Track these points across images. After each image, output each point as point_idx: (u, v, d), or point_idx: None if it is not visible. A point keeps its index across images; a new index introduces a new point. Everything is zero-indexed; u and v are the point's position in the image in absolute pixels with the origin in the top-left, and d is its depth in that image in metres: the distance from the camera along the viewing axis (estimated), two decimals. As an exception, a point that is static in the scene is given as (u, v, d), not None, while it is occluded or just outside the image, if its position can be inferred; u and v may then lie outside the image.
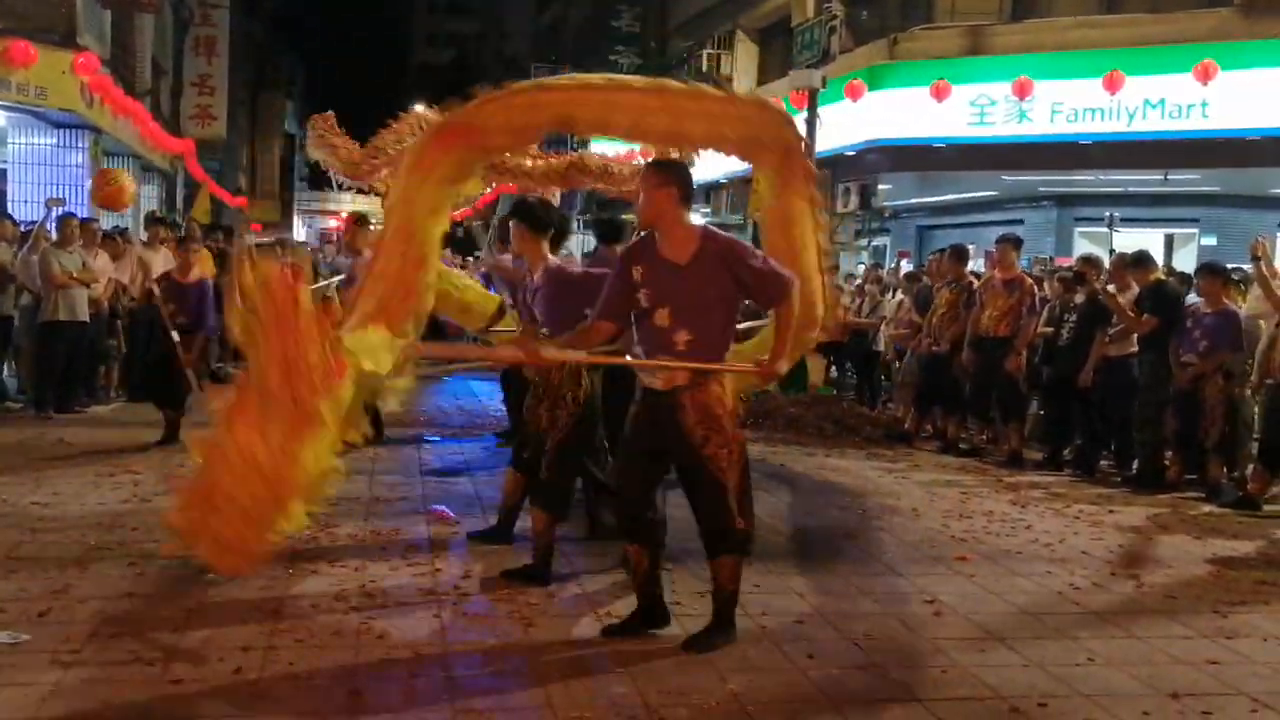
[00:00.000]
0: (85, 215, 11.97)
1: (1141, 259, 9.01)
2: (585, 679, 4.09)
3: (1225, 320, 8.18)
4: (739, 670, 4.21)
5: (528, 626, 4.65)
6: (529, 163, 10.16)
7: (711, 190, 23.35)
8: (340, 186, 9.03)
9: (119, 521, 6.08)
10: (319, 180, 48.68)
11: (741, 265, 4.34)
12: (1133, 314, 8.60)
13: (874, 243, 21.44)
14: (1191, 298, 8.98)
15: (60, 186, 14.81)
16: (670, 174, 4.45)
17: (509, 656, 4.31)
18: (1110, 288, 9.14)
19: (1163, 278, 9.13)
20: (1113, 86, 13.72)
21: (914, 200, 19.43)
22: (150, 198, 21.41)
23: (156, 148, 19.61)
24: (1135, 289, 8.81)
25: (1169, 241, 16.83)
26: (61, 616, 4.51)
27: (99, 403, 10.45)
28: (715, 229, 4.60)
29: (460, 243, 22.63)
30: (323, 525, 6.09)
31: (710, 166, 19.43)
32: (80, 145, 15.67)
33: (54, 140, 15.45)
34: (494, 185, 12.06)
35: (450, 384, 13.34)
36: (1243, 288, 8.96)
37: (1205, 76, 13.00)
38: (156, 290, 8.82)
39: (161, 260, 10.92)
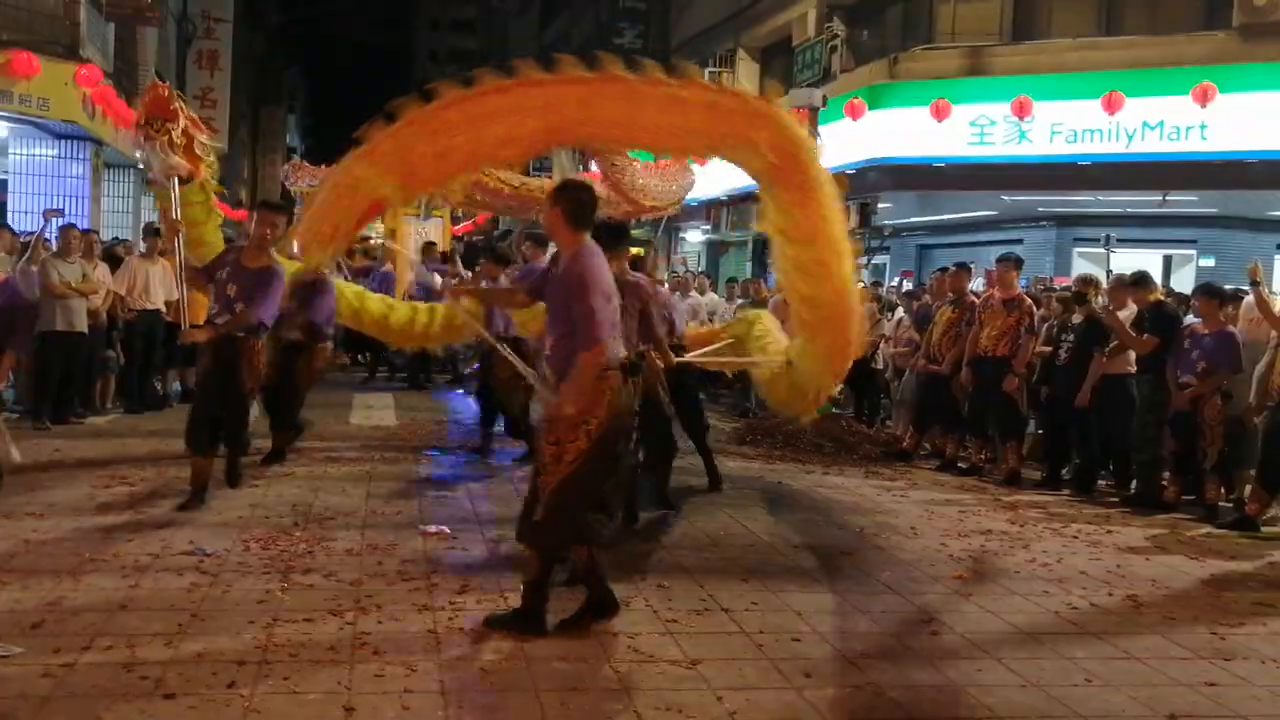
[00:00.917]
0: (85, 226, 11.98)
1: (1141, 279, 9.02)
2: (581, 695, 4.07)
3: (1223, 341, 8.19)
4: (735, 688, 4.19)
5: (523, 642, 4.63)
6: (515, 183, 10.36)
7: (711, 208, 23.40)
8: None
9: (114, 534, 6.05)
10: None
11: (572, 298, 4.60)
12: (1132, 334, 8.61)
13: (874, 261, 21.48)
14: (1189, 318, 8.98)
15: (61, 198, 14.83)
16: (559, 195, 4.81)
17: (504, 672, 4.29)
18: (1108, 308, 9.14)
19: (1161, 298, 9.14)
20: (1112, 108, 13.78)
21: (914, 219, 19.48)
22: (151, 210, 21.42)
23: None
24: (1132, 308, 8.82)
25: (1167, 262, 16.87)
26: (54, 629, 4.48)
27: (96, 414, 10.43)
28: (593, 255, 4.72)
29: (462, 257, 22.68)
30: (319, 539, 6.08)
31: (710, 184, 19.53)
32: (82, 157, 15.70)
33: (55, 151, 15.49)
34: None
35: (447, 398, 13.34)
36: (1229, 310, 8.93)
37: (1204, 99, 13.06)
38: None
39: (160, 271, 10.90)
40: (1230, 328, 8.42)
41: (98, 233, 12.14)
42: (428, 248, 15.20)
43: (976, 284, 12.25)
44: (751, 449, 10.39)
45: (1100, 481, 9.17)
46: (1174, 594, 5.99)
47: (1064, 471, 9.36)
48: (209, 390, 6.88)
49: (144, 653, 4.26)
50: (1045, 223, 17.65)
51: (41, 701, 3.76)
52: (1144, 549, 7.06)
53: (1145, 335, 8.53)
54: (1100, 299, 9.35)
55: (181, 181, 7.05)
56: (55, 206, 11.89)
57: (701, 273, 19.46)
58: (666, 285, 15.36)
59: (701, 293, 15.50)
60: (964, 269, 10.23)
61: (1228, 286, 9.36)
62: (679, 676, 4.32)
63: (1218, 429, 8.13)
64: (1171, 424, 8.42)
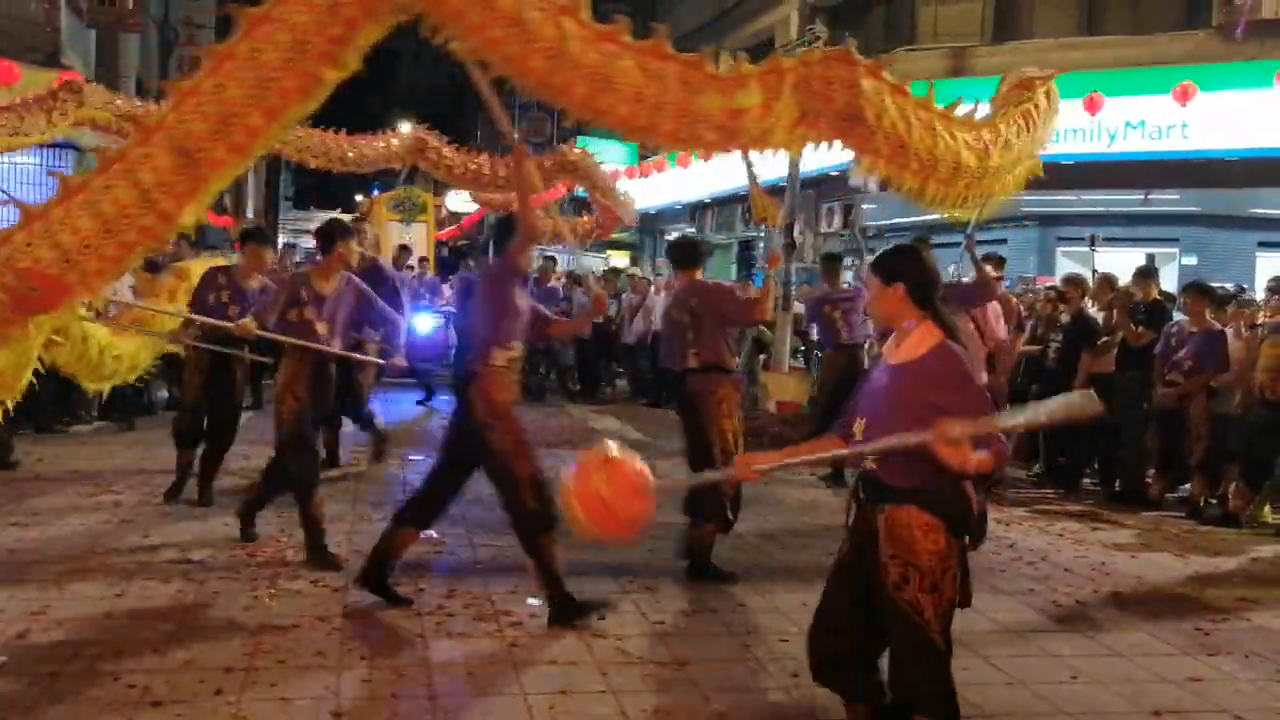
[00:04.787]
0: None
1: (1147, 272, 9.10)
2: (569, 698, 4.08)
3: (1210, 339, 8.23)
4: (723, 690, 4.20)
5: (511, 646, 4.63)
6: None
7: (696, 210, 23.44)
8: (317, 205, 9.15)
9: (99, 542, 6.03)
10: (304, 200, 48.66)
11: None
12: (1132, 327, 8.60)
13: (858, 262, 21.52)
14: (1176, 316, 9.04)
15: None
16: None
17: (492, 676, 4.29)
18: (1093, 307, 9.20)
19: (1157, 296, 9.17)
20: (1093, 108, 13.83)
21: (899, 220, 19.51)
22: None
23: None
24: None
25: (1149, 261, 16.93)
26: (40, 638, 4.47)
27: (81, 423, 10.38)
28: (489, 265, 4.76)
29: (447, 261, 22.67)
30: (304, 546, 6.07)
31: (694, 187, 19.54)
32: (64, 165, 15.62)
33: (36, 160, 15.40)
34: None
35: (435, 403, 13.31)
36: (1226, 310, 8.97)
37: (1184, 98, 13.12)
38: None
39: (128, 279, 10.74)
40: (1217, 326, 8.46)
41: None
42: (401, 252, 14.99)
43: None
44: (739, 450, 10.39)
45: (1084, 479, 9.22)
46: (1158, 590, 6.03)
47: (1035, 467, 9.46)
48: (203, 400, 7.02)
49: (131, 661, 4.24)
50: (1028, 222, 17.70)
51: (27, 710, 3.74)
52: (1129, 546, 7.10)
53: (1140, 329, 8.58)
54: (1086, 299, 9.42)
55: None
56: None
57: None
58: (653, 288, 15.43)
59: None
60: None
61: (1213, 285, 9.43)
62: (667, 678, 4.33)
63: (1204, 427, 8.18)
64: (1158, 422, 8.46)
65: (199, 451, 7.19)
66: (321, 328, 5.94)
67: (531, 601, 5.22)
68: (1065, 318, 9.24)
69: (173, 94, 3.74)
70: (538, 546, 4.88)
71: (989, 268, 9.62)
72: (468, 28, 3.78)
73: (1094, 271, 10.65)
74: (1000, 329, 8.60)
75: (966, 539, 3.22)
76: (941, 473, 2.98)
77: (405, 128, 12.23)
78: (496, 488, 4.98)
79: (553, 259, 17.32)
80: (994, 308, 8.68)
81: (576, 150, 12.33)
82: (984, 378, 8.48)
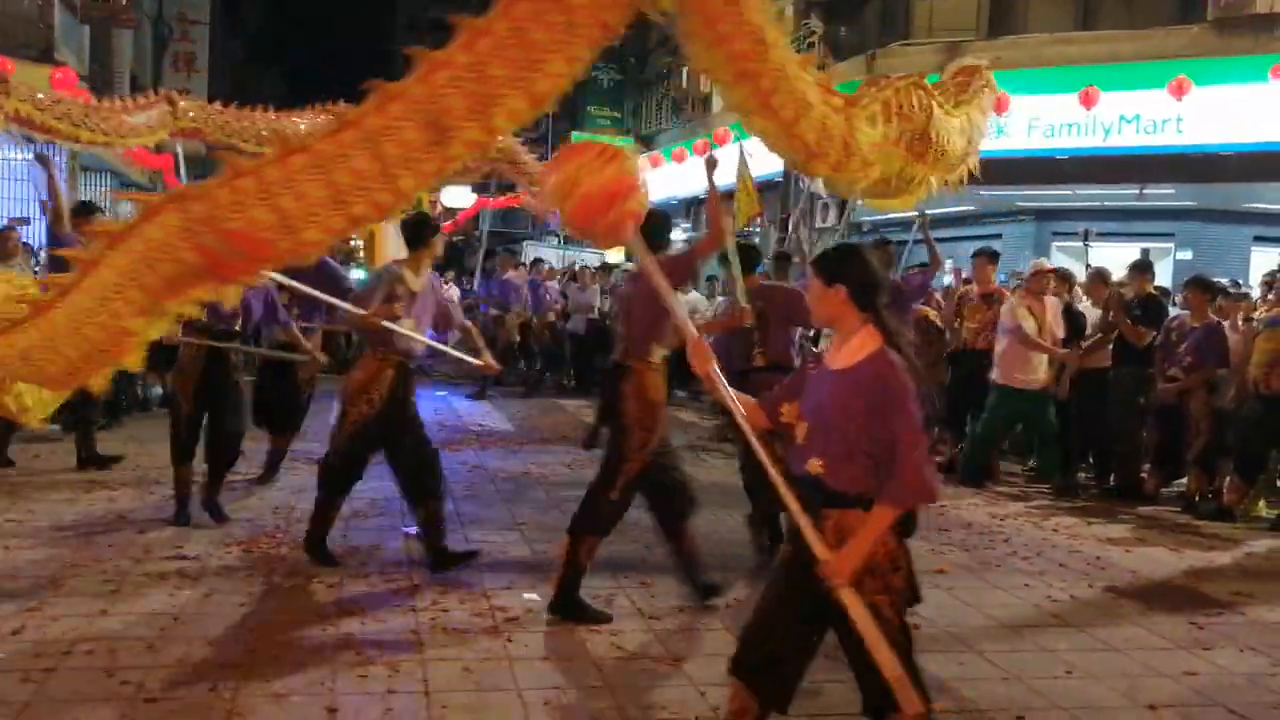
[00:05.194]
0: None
1: (1143, 266, 9.11)
2: (564, 694, 4.08)
3: (1210, 334, 8.23)
4: (718, 684, 4.19)
5: (506, 641, 4.63)
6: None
7: (692, 206, 23.43)
8: None
9: (94, 538, 6.02)
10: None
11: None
12: (1134, 327, 8.59)
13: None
14: (1174, 311, 9.05)
15: (37, 203, 14.71)
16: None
17: (487, 672, 4.29)
18: (1085, 301, 9.20)
19: (1151, 291, 9.18)
20: (1088, 102, 13.84)
21: (892, 215, 19.50)
22: (129, 214, 21.29)
23: (135, 163, 19.50)
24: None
25: (1144, 256, 16.95)
26: (35, 634, 4.46)
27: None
28: (661, 262, 4.71)
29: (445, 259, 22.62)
30: (301, 541, 6.06)
31: (689, 183, 19.52)
32: (57, 160, 15.57)
33: (30, 155, 15.36)
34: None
35: (429, 399, 13.30)
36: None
37: (1179, 92, 13.13)
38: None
39: None
40: (1217, 320, 8.46)
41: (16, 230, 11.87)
42: None
43: (947, 280, 12.31)
44: (732, 446, 10.39)
45: (1079, 474, 9.23)
46: (1153, 585, 6.04)
47: (1030, 462, 9.48)
48: (203, 402, 6.45)
49: (126, 657, 4.24)
50: (1024, 217, 17.72)
51: (22, 707, 3.74)
52: (1123, 540, 7.11)
53: (1140, 327, 8.57)
54: (1076, 291, 9.43)
55: None
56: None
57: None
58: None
59: (684, 291, 15.50)
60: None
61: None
62: (662, 674, 4.33)
63: (1204, 422, 8.19)
64: (1156, 416, 8.47)
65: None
66: (409, 326, 5.59)
67: (528, 596, 5.23)
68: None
69: (421, 64, 3.46)
70: (579, 543, 4.95)
71: (978, 263, 9.67)
72: (716, 37, 3.81)
73: (1087, 266, 10.67)
74: (1059, 327, 8.62)
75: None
76: (887, 479, 2.98)
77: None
78: (600, 471, 5.05)
79: (541, 259, 17.38)
80: (1053, 305, 8.65)
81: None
82: (1043, 375, 8.56)
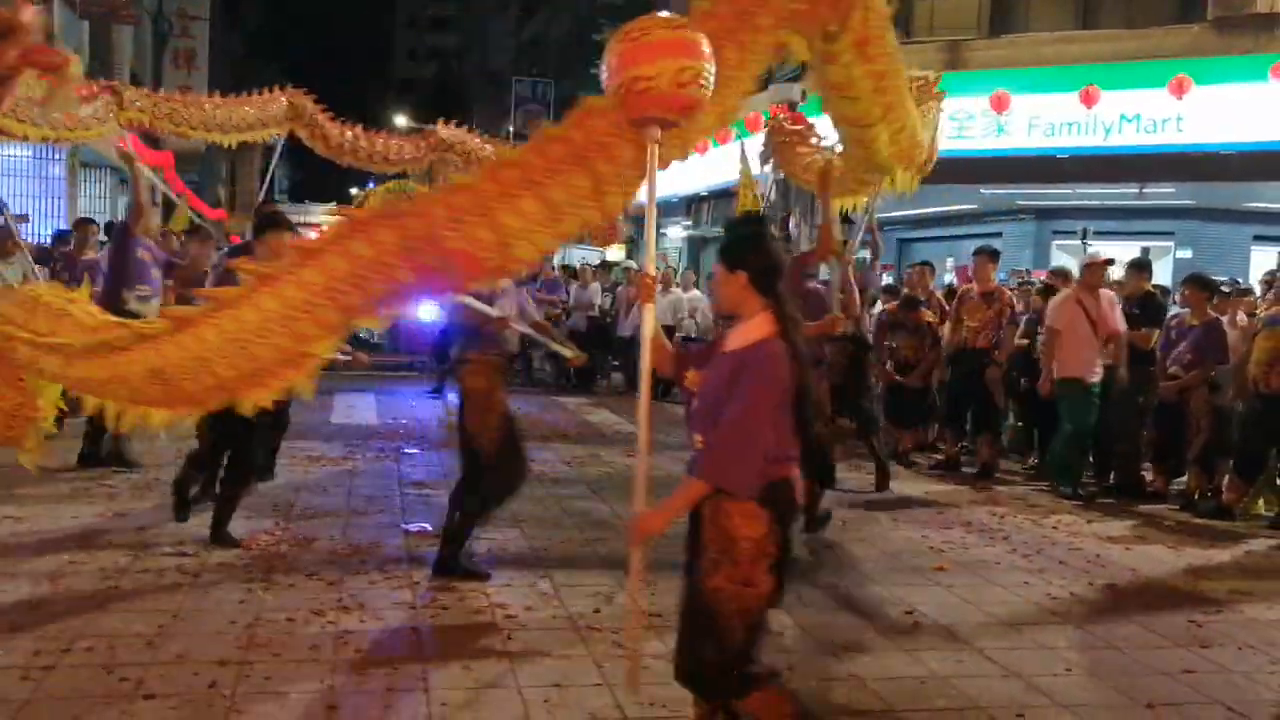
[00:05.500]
0: (64, 228, 11.82)
1: (1141, 264, 9.10)
2: (564, 691, 4.08)
3: (1210, 332, 8.23)
4: (718, 682, 4.20)
5: (506, 639, 4.63)
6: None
7: (692, 203, 23.42)
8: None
9: (93, 536, 6.02)
10: (299, 193, 48.57)
11: None
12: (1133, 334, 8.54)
13: (855, 255, 21.50)
14: (1173, 309, 9.06)
15: (38, 198, 14.72)
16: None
17: (487, 669, 4.29)
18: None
19: (1150, 289, 9.17)
20: (1089, 101, 13.85)
21: (894, 213, 19.52)
22: (128, 210, 21.28)
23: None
24: (1108, 294, 8.84)
25: (1144, 254, 16.97)
26: (33, 631, 4.45)
27: (74, 415, 10.31)
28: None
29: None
30: (300, 538, 6.06)
31: (691, 180, 19.51)
32: (57, 157, 15.58)
33: (30, 152, 15.38)
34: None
35: (430, 397, 13.30)
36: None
37: (1180, 91, 13.14)
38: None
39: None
40: (1216, 317, 8.45)
41: (96, 224, 11.92)
42: None
43: (946, 278, 12.30)
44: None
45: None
46: (1152, 583, 6.04)
47: (1030, 460, 9.48)
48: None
49: (124, 654, 4.24)
50: (1024, 216, 17.72)
51: (21, 704, 3.74)
52: (1123, 539, 7.11)
53: (1143, 330, 8.54)
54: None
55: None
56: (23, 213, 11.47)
57: (687, 269, 19.45)
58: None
59: (685, 289, 15.50)
60: (927, 265, 10.42)
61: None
62: (662, 671, 4.32)
63: (1205, 420, 8.19)
64: (1156, 414, 8.48)
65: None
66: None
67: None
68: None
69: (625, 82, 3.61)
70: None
71: (978, 261, 9.64)
72: (867, 57, 4.24)
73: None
74: (1116, 319, 8.34)
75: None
76: (775, 464, 3.02)
77: (400, 121, 12.17)
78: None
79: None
80: (1108, 297, 8.44)
81: (449, 127, 12.10)
82: (1099, 370, 8.31)
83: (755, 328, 3.10)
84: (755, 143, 9.60)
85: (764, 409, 2.99)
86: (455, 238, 3.37)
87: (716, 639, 3.05)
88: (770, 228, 3.43)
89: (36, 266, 9.56)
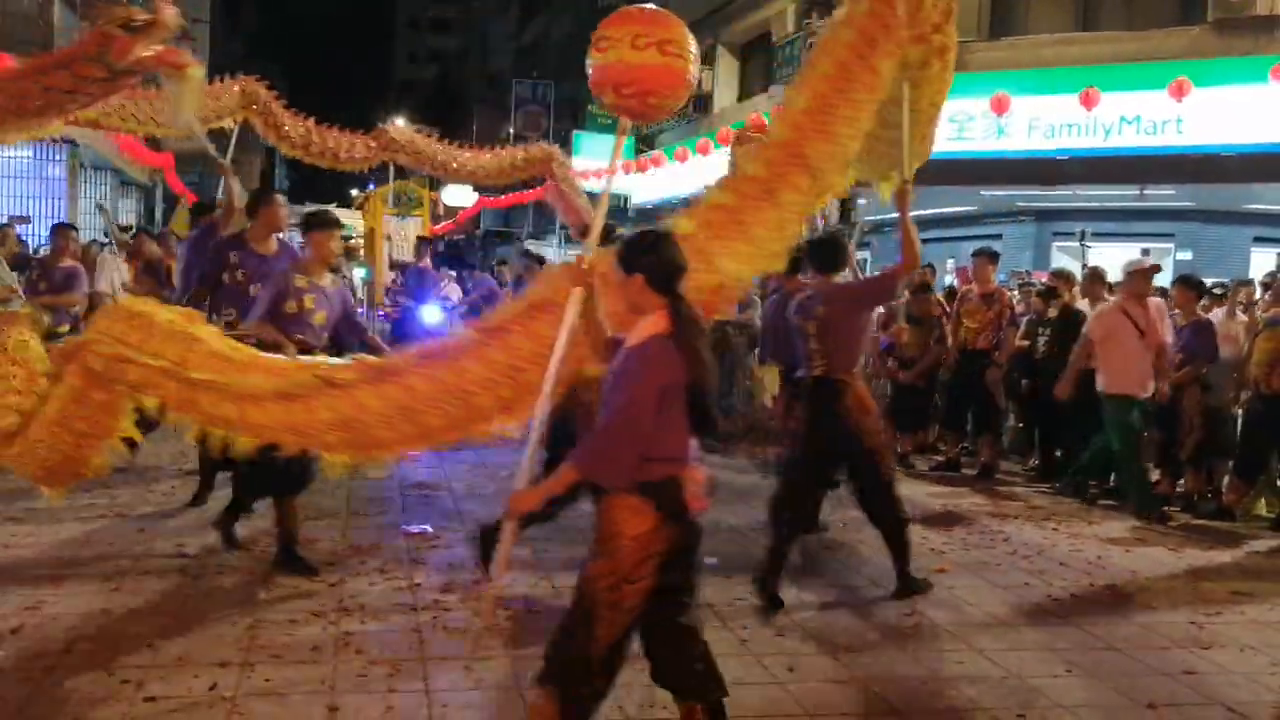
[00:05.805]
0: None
1: (1154, 270, 9.07)
2: (564, 693, 4.07)
3: (1200, 331, 8.24)
4: (719, 683, 4.20)
5: (507, 640, 4.63)
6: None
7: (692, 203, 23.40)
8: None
9: (94, 538, 6.02)
10: (299, 194, 48.62)
11: None
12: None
13: (856, 257, 21.52)
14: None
15: (38, 199, 14.73)
16: None
17: (488, 670, 4.29)
18: (1084, 301, 9.20)
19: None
20: (1089, 103, 13.85)
21: (894, 215, 19.54)
22: (129, 211, 21.30)
23: (135, 161, 19.53)
24: (1107, 299, 8.85)
25: (1144, 256, 16.99)
26: (34, 633, 4.46)
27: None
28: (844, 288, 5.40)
29: (444, 258, 22.63)
30: (301, 539, 6.05)
31: (691, 181, 19.49)
32: (58, 158, 15.61)
33: (30, 153, 15.40)
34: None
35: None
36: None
37: (1179, 93, 13.14)
38: None
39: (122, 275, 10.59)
40: (1205, 317, 8.47)
41: (76, 230, 11.93)
42: (421, 245, 14.21)
43: (947, 279, 12.30)
44: (729, 446, 10.40)
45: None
46: (1153, 584, 6.04)
47: (1031, 461, 9.46)
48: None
49: (126, 656, 4.24)
50: (1024, 217, 17.74)
51: (22, 705, 3.74)
52: (1124, 540, 7.11)
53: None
54: (1075, 292, 9.42)
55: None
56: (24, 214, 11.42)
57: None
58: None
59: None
60: (928, 266, 10.38)
61: (1206, 280, 9.44)
62: (663, 672, 4.32)
63: (1196, 419, 8.19)
64: (1155, 416, 8.47)
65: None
66: None
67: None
68: (1053, 312, 9.25)
69: (782, 118, 4.05)
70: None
71: (977, 263, 9.63)
72: (929, 73, 4.56)
73: (1084, 266, 10.67)
74: (1165, 330, 8.04)
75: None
76: (661, 463, 3.08)
77: (400, 123, 12.18)
78: (865, 479, 5.58)
79: (540, 257, 17.26)
80: (1157, 306, 8.12)
81: (398, 127, 12.01)
82: (1151, 385, 7.85)
83: (649, 325, 3.14)
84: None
85: (640, 406, 3.03)
86: (708, 277, 3.67)
87: (585, 626, 3.11)
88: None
89: (13, 273, 9.35)
